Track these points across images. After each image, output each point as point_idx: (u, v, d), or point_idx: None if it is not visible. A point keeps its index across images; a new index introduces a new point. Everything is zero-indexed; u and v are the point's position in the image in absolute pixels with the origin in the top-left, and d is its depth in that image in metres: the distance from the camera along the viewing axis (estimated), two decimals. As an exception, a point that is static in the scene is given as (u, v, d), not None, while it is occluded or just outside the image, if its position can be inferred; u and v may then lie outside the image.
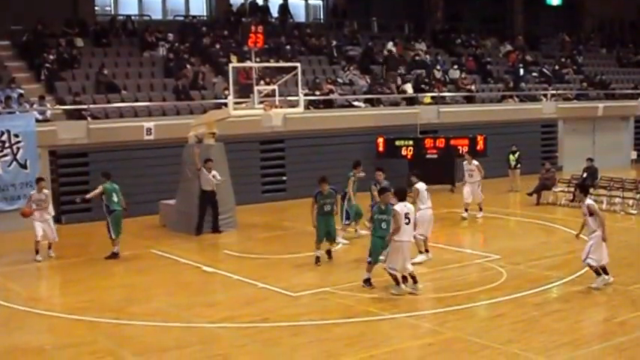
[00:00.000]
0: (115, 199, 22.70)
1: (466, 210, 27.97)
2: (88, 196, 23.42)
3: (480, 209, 28.25)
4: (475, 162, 28.84)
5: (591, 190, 30.19)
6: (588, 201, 18.26)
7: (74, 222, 28.26)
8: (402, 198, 18.04)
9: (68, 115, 30.27)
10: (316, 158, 33.29)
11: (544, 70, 46.28)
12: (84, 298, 18.68)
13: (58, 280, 21.97)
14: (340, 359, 14.10)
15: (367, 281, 18.51)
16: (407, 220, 17.77)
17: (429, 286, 19.03)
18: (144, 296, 18.88)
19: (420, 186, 21.35)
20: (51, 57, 32.78)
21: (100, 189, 22.77)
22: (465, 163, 29.16)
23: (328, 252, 21.62)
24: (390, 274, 18.05)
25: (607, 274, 18.09)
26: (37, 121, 28.77)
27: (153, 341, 15.29)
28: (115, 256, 22.60)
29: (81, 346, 14.94)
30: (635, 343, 14.55)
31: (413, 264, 18.51)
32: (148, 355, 14.42)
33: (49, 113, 29.91)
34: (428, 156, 34.50)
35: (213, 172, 26.06)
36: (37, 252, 22.65)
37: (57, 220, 28.27)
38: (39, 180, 23.88)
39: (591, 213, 17.99)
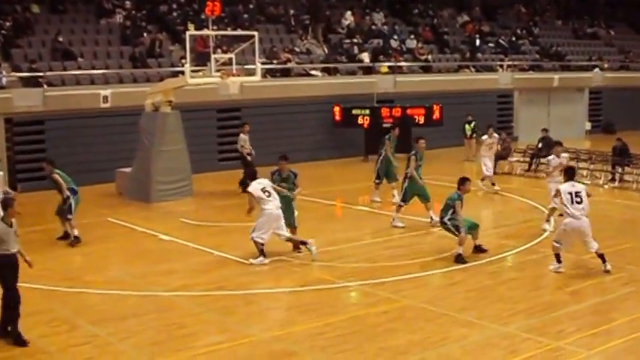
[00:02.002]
0: (69, 179, 21.85)
1: (482, 180, 27.60)
2: (65, 192, 20.89)
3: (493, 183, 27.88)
4: (496, 135, 28.79)
5: (544, 160, 30.64)
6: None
7: (30, 190, 27.98)
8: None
9: (24, 83, 29.95)
10: (273, 127, 33.35)
11: (500, 40, 46.43)
12: (40, 266, 18.40)
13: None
14: (296, 327, 14.20)
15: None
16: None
17: (385, 254, 19.22)
18: (100, 265, 18.88)
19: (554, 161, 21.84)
20: (7, 24, 32.35)
21: (58, 179, 21.02)
22: (485, 137, 28.61)
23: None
24: (255, 243, 18.30)
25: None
26: (-8, 88, 28.50)
27: (109, 310, 15.34)
28: (77, 239, 20.82)
29: (37, 314, 14.88)
30: (588, 312, 14.84)
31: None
32: (105, 324, 14.43)
33: (4, 80, 29.48)
34: (384, 125, 34.56)
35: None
36: None
37: (13, 188, 28.11)
38: None
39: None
